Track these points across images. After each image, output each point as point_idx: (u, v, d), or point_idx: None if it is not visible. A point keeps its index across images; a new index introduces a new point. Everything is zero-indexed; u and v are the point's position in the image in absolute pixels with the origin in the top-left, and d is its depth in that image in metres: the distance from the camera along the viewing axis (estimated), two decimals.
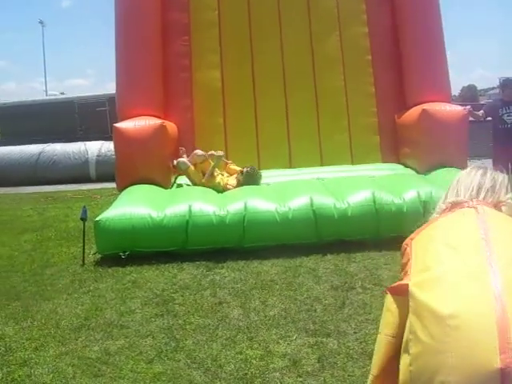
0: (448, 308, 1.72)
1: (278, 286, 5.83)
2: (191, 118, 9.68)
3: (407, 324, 1.88)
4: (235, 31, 9.92)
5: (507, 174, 8.25)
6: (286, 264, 6.55)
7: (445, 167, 8.59)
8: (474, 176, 2.33)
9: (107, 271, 6.55)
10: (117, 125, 8.63)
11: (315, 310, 5.15)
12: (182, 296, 5.61)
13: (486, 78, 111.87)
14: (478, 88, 60.66)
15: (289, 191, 7.56)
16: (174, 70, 9.61)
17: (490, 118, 9.70)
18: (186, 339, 4.59)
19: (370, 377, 2.15)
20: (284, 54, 9.96)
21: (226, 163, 8.87)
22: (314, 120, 9.84)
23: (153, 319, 5.04)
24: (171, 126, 9.15)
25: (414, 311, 1.85)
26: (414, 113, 9.07)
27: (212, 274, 6.32)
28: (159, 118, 8.89)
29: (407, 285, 1.93)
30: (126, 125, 8.57)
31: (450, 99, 9.66)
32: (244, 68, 9.83)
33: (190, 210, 6.94)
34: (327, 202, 7.20)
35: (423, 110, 8.77)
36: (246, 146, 9.52)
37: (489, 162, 10.35)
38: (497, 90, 36.56)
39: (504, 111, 9.32)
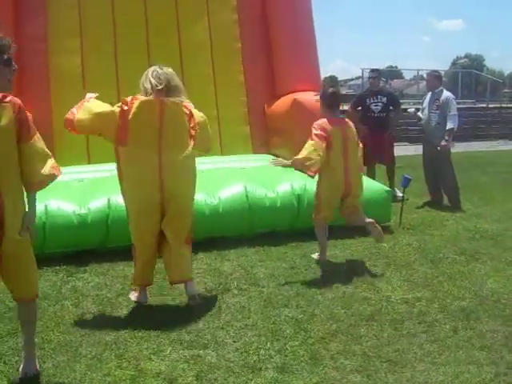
0: None
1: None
2: (48, 108, 8.86)
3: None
4: (97, 13, 9.20)
5: (374, 160, 8.15)
6: (155, 265, 6.08)
7: None
8: None
9: None
10: None
11: (189, 318, 4.75)
12: (40, 308, 4.93)
13: (346, 70, 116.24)
14: (339, 79, 62.60)
15: None
16: (27, 54, 8.72)
17: (359, 108, 9.76)
18: (45, 361, 4.01)
19: None
20: (149, 39, 9.39)
21: None
22: None
23: (5, 339, 4.40)
24: None
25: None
26: (285, 102, 8.89)
27: (74, 279, 5.74)
28: None
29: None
30: None
31: (319, 88, 9.57)
32: (106, 53, 9.15)
33: (46, 210, 6.26)
34: (198, 197, 6.80)
35: (294, 99, 8.60)
36: None
37: None
38: (357, 81, 37.93)
39: (371, 101, 9.39)
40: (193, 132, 4.94)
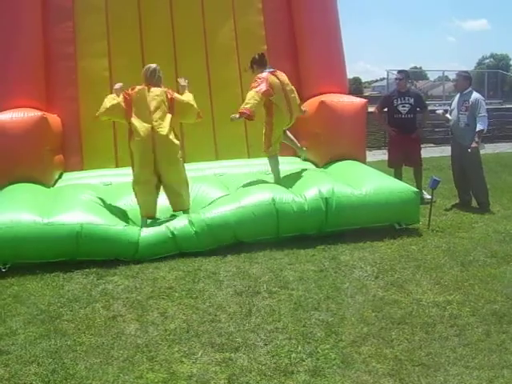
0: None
1: (177, 294, 5.39)
2: (76, 111, 8.96)
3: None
4: (123, 17, 9.26)
5: (401, 162, 8.47)
6: (185, 268, 6.11)
7: (343, 159, 8.45)
8: None
9: None
10: None
11: (220, 321, 4.76)
12: (71, 311, 5.04)
13: (369, 71, 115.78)
14: (362, 80, 62.32)
15: None
16: (56, 58, 8.85)
17: (386, 109, 9.71)
18: (77, 364, 4.05)
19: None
20: (176, 43, 9.43)
21: None
22: (208, 112, 9.31)
23: (38, 341, 4.44)
24: (53, 119, 8.43)
25: None
26: (311, 104, 8.83)
27: (103, 282, 5.77)
28: (40, 109, 8.15)
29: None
30: (1, 117, 7.79)
31: (346, 90, 9.54)
32: (133, 57, 9.19)
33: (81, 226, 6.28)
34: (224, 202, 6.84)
35: (321, 101, 8.57)
36: None
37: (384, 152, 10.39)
38: (381, 83, 37.77)
39: (399, 102, 9.33)
40: (170, 109, 6.96)
